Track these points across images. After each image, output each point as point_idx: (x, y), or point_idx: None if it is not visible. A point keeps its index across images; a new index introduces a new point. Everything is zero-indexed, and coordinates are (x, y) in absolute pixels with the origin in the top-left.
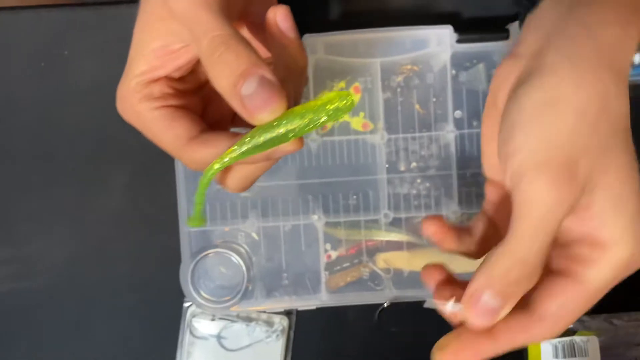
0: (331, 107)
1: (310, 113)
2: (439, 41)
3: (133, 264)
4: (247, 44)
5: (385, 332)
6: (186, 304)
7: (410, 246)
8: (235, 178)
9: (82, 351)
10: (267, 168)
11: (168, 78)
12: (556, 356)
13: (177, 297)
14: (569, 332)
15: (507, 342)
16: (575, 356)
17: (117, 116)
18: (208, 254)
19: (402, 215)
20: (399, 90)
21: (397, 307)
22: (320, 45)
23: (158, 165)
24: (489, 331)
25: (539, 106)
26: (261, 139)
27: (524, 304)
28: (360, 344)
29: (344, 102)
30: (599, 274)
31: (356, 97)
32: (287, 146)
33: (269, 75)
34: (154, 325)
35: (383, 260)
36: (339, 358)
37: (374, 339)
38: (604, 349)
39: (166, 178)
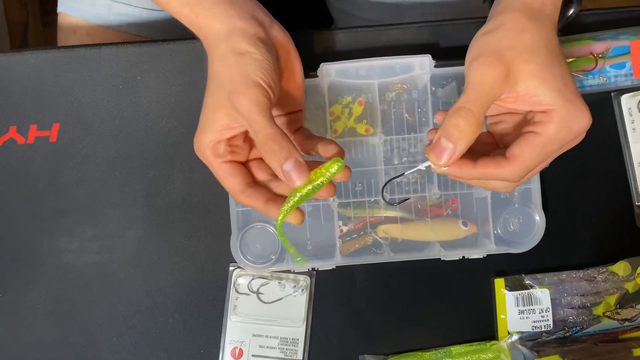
0: (330, 173)
1: (320, 177)
2: (421, 66)
3: (191, 238)
4: (286, 137)
5: (385, 286)
6: (231, 267)
7: (402, 220)
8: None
9: (148, 307)
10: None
11: (228, 140)
12: (517, 305)
13: (225, 262)
14: (527, 287)
15: (481, 170)
16: (532, 304)
17: (177, 126)
18: (251, 227)
19: (396, 197)
20: (392, 103)
21: (393, 265)
22: (333, 71)
23: None
24: (473, 161)
25: (483, 34)
26: (297, 198)
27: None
28: (366, 297)
29: (338, 165)
30: (547, 128)
31: (341, 157)
32: (313, 196)
33: (300, 158)
34: (207, 284)
35: (382, 231)
36: (349, 308)
37: (376, 292)
38: (554, 299)
39: None
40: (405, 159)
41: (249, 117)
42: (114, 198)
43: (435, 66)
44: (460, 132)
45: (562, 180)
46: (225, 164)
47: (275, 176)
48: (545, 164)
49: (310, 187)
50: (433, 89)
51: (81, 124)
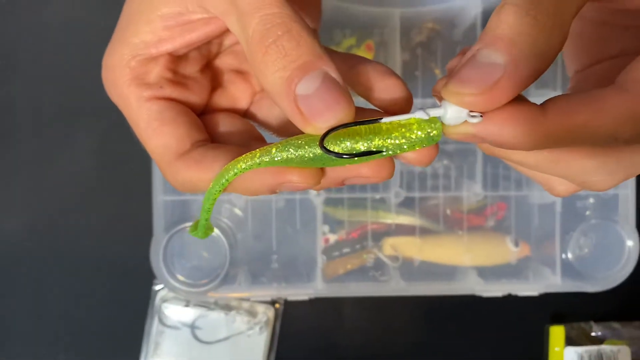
0: (418, 136)
1: (395, 133)
2: None
3: (95, 237)
4: (311, 30)
5: (388, 329)
6: (156, 287)
7: (423, 232)
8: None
9: (26, 335)
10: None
11: (171, 55)
12: None
13: (146, 278)
14: (596, 341)
15: (563, 120)
16: None
17: (89, 66)
18: (185, 227)
19: (416, 194)
20: (418, 50)
21: (403, 300)
22: None
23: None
24: (539, 108)
25: None
26: (307, 152)
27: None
28: (359, 343)
29: (435, 131)
30: None
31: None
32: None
33: (334, 73)
34: (116, 310)
35: (391, 246)
36: (332, 358)
37: (375, 338)
38: None
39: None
40: None
41: None
42: None
43: None
44: (516, 32)
45: None
46: (157, 101)
47: (256, 138)
48: None
49: (365, 143)
50: None
51: None
